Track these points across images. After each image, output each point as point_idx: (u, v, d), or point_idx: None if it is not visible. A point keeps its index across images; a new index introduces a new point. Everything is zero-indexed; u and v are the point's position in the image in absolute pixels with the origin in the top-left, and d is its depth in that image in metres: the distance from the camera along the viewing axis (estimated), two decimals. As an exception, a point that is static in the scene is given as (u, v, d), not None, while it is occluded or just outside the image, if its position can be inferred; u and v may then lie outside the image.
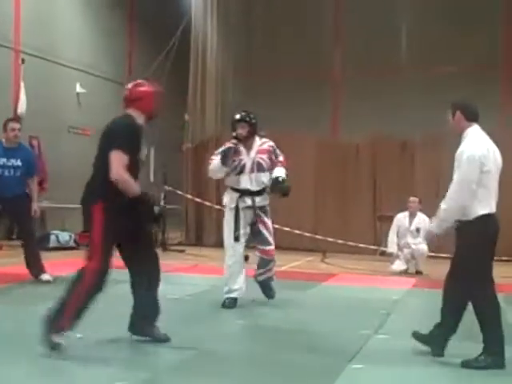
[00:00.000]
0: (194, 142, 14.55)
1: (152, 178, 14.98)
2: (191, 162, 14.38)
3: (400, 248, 10.44)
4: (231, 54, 15.73)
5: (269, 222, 6.85)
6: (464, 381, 4.59)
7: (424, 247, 10.12)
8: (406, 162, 13.47)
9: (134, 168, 4.86)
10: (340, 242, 12.33)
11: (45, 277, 8.19)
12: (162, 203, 13.10)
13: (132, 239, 5.05)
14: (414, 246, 10.29)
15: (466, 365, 4.72)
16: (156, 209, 5.11)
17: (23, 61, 14.42)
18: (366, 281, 9.39)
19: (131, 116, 5.06)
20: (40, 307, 6.59)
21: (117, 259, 5.17)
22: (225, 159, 6.60)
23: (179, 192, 13.84)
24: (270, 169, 6.77)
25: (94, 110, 16.53)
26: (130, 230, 4.96)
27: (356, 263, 11.23)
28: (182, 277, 9.29)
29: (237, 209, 6.70)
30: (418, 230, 10.31)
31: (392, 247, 10.53)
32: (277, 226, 12.39)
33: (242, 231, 6.69)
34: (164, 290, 7.58)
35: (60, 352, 4.72)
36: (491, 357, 4.69)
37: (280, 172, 6.74)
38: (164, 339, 5.16)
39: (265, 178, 6.75)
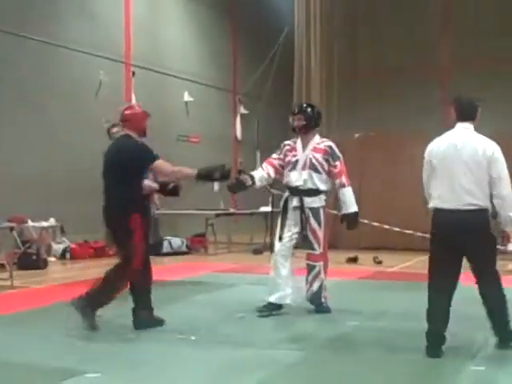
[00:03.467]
0: (300, 146, 14.58)
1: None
2: (297, 165, 14.42)
3: None
4: (335, 57, 15.65)
5: (316, 225, 6.37)
6: None
7: None
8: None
9: None
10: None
11: None
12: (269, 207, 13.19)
13: None
14: None
15: None
16: None
17: (134, 74, 14.95)
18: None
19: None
20: (159, 310, 6.83)
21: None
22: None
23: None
24: (325, 171, 6.40)
25: (202, 117, 16.94)
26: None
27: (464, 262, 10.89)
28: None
29: (285, 208, 6.46)
30: None
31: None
32: (387, 227, 12.27)
33: (288, 232, 6.38)
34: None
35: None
36: None
37: (350, 202, 6.39)
38: None
39: (318, 179, 6.38)
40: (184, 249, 13.22)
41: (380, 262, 10.93)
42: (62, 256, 11.93)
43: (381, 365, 4.74)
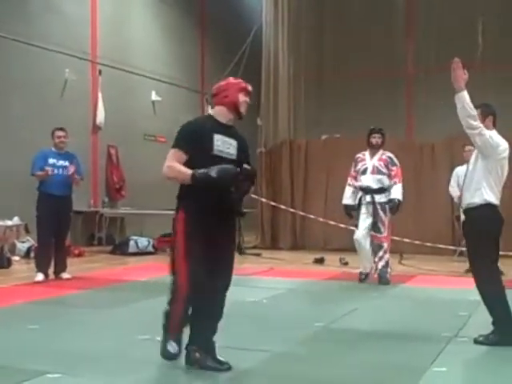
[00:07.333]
0: (267, 146, 14.62)
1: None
2: (265, 165, 14.46)
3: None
4: (303, 58, 15.73)
5: (383, 214, 8.58)
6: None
7: None
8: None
9: (209, 165, 4.33)
10: (417, 243, 12.12)
11: (65, 275, 9.02)
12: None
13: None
14: None
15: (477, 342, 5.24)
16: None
17: (100, 72, 14.83)
18: (445, 282, 9.22)
19: (205, 115, 5.02)
20: (121, 310, 6.78)
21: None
22: None
23: (254, 196, 13.92)
24: (387, 175, 8.56)
25: (169, 117, 16.86)
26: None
27: (434, 264, 11.03)
28: (259, 280, 9.34)
29: (359, 204, 8.61)
30: None
31: (454, 191, 10.21)
32: (353, 229, 12.32)
33: (362, 221, 8.57)
34: (242, 293, 7.68)
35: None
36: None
37: (396, 193, 8.51)
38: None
39: (382, 180, 8.59)
40: (150, 249, 13.15)
41: (346, 263, 11.00)
42: (27, 255, 11.79)
43: (342, 366, 4.77)
